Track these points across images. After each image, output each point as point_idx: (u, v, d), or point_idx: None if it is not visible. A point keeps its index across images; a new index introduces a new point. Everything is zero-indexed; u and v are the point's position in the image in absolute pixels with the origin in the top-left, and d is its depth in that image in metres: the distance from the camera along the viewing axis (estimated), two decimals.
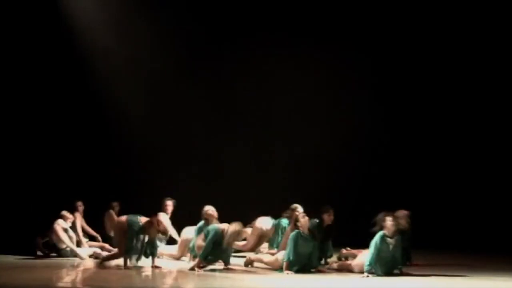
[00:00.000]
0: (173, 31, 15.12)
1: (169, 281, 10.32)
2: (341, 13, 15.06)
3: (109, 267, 11.04)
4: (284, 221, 11.99)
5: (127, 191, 13.66)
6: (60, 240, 12.01)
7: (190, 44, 15.31)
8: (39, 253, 12.28)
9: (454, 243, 12.65)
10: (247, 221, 11.63)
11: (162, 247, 12.04)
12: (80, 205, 12.95)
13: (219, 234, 10.67)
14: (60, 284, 9.89)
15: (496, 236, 13.57)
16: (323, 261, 11.44)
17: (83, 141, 14.96)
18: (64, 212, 12.20)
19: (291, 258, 10.36)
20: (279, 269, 10.57)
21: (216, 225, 11.00)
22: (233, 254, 11.36)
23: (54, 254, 12.15)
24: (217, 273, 10.57)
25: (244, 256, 11.72)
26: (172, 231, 12.26)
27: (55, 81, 14.58)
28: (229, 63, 15.27)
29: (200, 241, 10.97)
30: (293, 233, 10.49)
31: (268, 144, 15.33)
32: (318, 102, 15.16)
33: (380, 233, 10.16)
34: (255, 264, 11.25)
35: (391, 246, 10.16)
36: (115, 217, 12.52)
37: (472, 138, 14.81)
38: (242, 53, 15.16)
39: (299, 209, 11.99)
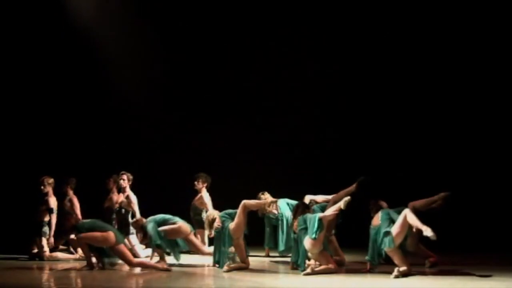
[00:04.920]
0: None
1: (169, 281, 10.26)
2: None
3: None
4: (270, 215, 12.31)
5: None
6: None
7: (189, 39, 15.41)
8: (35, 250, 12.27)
9: (454, 243, 12.57)
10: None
11: None
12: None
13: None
14: (59, 285, 9.84)
15: (495, 236, 13.50)
16: None
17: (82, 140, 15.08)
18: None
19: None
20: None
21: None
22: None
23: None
24: (216, 273, 10.54)
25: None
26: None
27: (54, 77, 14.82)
28: (231, 59, 15.40)
29: None
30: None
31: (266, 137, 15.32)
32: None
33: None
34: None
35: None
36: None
37: (476, 135, 14.67)
38: (242, 50, 15.31)
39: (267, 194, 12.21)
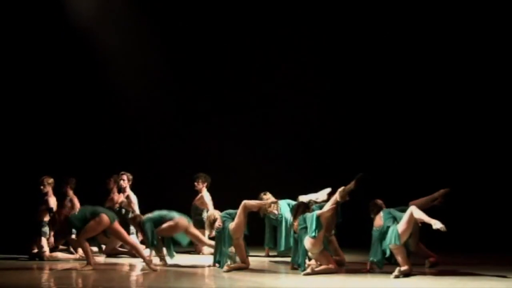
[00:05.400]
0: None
1: (169, 281, 10.26)
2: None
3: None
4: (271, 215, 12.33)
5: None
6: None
7: (189, 39, 15.48)
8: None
9: (454, 243, 12.56)
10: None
11: None
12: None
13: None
14: (59, 285, 9.81)
15: (495, 236, 13.52)
16: None
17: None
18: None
19: None
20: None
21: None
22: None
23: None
24: (216, 273, 10.55)
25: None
26: None
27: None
28: (231, 58, 15.47)
29: None
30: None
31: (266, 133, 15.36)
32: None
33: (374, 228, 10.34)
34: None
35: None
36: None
37: (475, 135, 14.68)
38: (243, 50, 15.38)
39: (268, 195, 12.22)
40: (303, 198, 11.23)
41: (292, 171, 14.70)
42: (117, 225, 10.95)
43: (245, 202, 10.77)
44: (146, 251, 12.01)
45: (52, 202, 12.20)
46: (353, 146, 14.94)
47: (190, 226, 11.75)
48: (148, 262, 10.86)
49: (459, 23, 14.71)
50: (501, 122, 14.66)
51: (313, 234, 10.15)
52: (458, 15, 14.69)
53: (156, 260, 11.49)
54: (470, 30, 14.69)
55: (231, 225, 10.74)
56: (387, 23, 14.97)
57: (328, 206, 10.40)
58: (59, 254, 12.15)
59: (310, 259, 10.48)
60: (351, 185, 10.44)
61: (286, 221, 12.16)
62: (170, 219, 11.51)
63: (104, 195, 12.93)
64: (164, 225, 11.45)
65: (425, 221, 9.90)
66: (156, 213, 11.60)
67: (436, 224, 9.73)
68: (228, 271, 10.57)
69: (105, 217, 10.79)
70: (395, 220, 10.16)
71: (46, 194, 12.20)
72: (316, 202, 11.22)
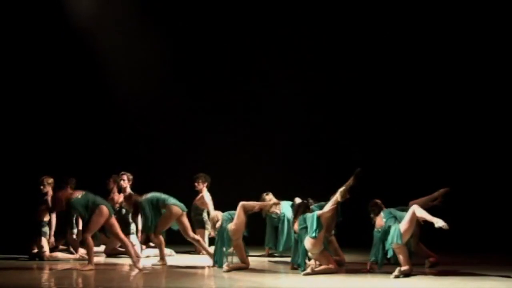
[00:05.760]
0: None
1: (169, 281, 10.26)
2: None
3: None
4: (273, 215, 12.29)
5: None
6: None
7: (189, 39, 15.54)
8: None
9: (454, 243, 12.57)
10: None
11: None
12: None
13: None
14: (59, 285, 9.81)
15: (495, 236, 13.51)
16: None
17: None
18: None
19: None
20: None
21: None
22: None
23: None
24: (216, 273, 10.55)
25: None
26: None
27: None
28: (231, 59, 15.51)
29: None
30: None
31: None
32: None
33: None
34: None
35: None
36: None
37: (476, 135, 14.67)
38: (243, 50, 15.42)
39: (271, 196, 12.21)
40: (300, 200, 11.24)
41: (293, 171, 14.70)
42: (113, 220, 10.93)
43: (242, 203, 10.76)
44: (146, 251, 12.02)
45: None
46: (353, 146, 14.92)
47: (183, 215, 11.69)
48: (135, 261, 10.83)
49: (459, 23, 14.71)
50: (500, 122, 14.65)
51: (313, 234, 10.15)
52: (457, 15, 14.69)
53: (155, 260, 11.52)
54: (470, 30, 14.68)
55: (230, 226, 10.74)
56: (387, 23, 14.96)
57: (328, 206, 10.40)
58: (59, 254, 12.17)
59: (310, 259, 10.49)
60: (350, 181, 10.43)
61: (288, 221, 12.14)
62: (164, 206, 11.48)
63: (104, 195, 12.90)
64: (159, 220, 11.44)
65: (427, 219, 9.92)
66: (154, 198, 11.53)
67: (438, 223, 9.74)
68: (228, 271, 10.58)
69: (104, 209, 10.77)
70: (396, 219, 10.17)
71: (46, 194, 12.20)
72: (315, 202, 11.22)
